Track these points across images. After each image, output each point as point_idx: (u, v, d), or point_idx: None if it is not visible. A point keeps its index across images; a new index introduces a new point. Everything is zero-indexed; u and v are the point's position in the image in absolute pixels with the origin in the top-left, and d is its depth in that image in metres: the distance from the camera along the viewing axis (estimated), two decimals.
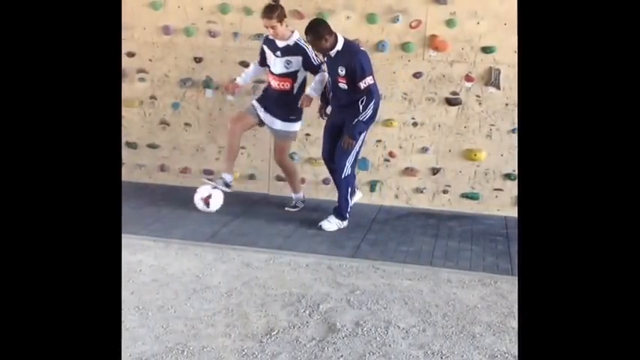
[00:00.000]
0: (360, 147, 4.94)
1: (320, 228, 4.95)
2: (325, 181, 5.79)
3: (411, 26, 5.42)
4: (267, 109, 5.20)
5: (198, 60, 5.82)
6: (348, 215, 5.05)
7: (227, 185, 5.28)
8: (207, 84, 5.83)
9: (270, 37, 5.04)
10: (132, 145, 6.08)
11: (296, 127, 5.28)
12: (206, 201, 5.22)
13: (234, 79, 5.38)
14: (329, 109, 5.18)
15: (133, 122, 6.04)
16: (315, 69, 5.07)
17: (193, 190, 5.88)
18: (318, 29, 4.69)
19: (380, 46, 5.45)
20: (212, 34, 5.74)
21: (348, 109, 4.80)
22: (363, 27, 5.48)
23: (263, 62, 5.24)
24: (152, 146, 6.08)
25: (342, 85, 4.79)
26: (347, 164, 4.89)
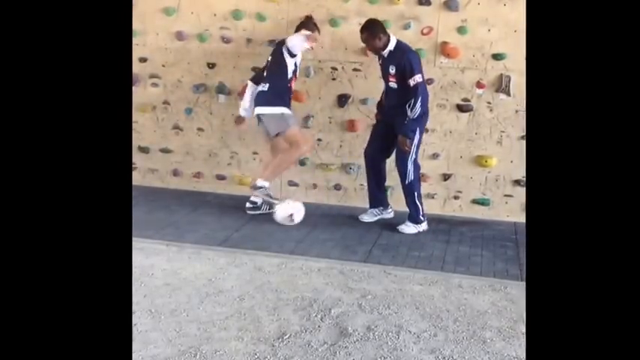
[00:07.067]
0: (418, 147, 4.99)
1: (398, 231, 5.08)
2: (336, 187, 5.82)
3: (422, 33, 5.44)
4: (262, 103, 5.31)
5: (211, 66, 5.87)
6: (423, 219, 5.13)
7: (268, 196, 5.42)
8: (220, 89, 5.87)
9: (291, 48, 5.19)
10: (145, 150, 6.14)
11: None
12: (290, 218, 5.15)
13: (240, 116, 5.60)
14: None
15: (146, 127, 6.10)
16: None
17: (206, 194, 5.97)
18: (372, 28, 4.93)
19: None
20: (225, 40, 5.78)
21: (398, 111, 4.92)
22: None
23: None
24: (165, 151, 6.13)
25: (392, 84, 4.98)
26: (409, 167, 4.96)
